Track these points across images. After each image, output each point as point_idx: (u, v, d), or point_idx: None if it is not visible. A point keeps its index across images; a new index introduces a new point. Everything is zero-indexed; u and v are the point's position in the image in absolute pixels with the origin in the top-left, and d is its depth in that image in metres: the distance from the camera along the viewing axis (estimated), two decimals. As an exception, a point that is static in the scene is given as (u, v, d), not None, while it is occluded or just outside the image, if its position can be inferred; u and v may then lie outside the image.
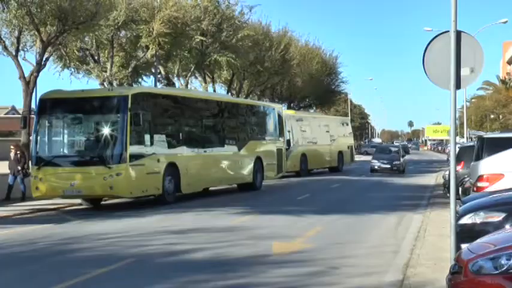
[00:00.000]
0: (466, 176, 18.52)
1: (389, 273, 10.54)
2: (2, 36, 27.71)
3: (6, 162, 23.30)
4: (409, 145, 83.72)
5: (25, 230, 15.81)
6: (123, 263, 11.26)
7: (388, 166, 42.10)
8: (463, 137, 58.78)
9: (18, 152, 22.74)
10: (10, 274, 10.52)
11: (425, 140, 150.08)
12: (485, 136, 18.66)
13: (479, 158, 16.66)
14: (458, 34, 9.72)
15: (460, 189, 18.47)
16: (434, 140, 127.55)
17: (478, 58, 9.83)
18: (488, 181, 14.61)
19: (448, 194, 15.62)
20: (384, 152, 45.54)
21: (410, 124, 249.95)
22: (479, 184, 14.93)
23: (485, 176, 14.76)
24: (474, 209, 10.39)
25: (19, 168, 22.42)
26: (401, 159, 43.39)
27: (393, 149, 47.06)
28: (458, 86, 9.79)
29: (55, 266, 11.17)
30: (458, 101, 10.38)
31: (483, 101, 76.69)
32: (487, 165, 15.00)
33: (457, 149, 19.12)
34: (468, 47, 9.76)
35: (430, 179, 35.91)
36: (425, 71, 10.05)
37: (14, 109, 72.76)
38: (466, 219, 10.12)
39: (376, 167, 42.41)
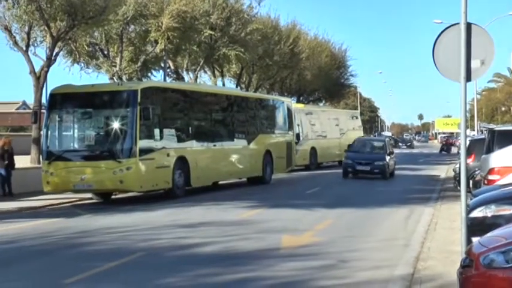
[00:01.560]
0: (476, 169, 18.44)
1: (399, 266, 10.52)
2: (12, 32, 27.84)
3: (20, 157, 23.32)
4: (419, 137, 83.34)
5: (36, 224, 15.88)
6: (133, 256, 11.29)
7: (367, 168, 30.84)
8: (474, 130, 58.53)
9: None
10: (22, 267, 10.58)
11: (436, 133, 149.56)
12: (496, 129, 18.59)
13: (490, 150, 16.60)
14: (468, 26, 9.66)
15: (471, 182, 18.37)
16: (444, 132, 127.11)
17: (488, 50, 9.76)
18: (499, 174, 14.54)
19: (458, 187, 15.59)
20: (362, 148, 33.11)
21: (420, 117, 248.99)
22: (490, 177, 14.87)
23: (496, 168, 14.70)
24: (485, 202, 10.34)
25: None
26: (387, 159, 31.40)
27: (376, 143, 34.19)
28: (468, 78, 9.73)
29: (66, 260, 11.22)
30: (468, 93, 10.31)
31: (494, 93, 76.47)
32: (498, 158, 14.94)
33: (468, 142, 19.05)
34: (478, 39, 9.70)
35: (441, 172, 35.79)
36: (435, 64, 10.00)
37: (24, 104, 72.99)
38: (477, 213, 10.08)
39: (349, 170, 31.53)
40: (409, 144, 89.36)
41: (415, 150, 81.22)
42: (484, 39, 9.77)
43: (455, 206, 16.33)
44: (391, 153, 32.78)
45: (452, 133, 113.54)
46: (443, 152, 69.38)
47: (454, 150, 67.55)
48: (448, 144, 73.73)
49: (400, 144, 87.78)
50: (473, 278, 6.83)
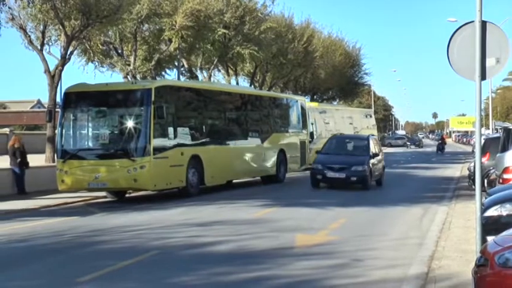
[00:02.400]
0: (491, 168, 18.35)
1: (413, 265, 10.49)
2: (27, 31, 28.02)
3: (35, 156, 23.42)
4: (432, 136, 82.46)
5: (50, 222, 15.94)
6: (147, 255, 11.32)
7: (342, 175, 24.02)
8: (489, 129, 58.25)
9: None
10: (36, 266, 10.63)
11: (450, 132, 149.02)
12: (511, 127, 18.47)
13: (505, 149, 16.52)
14: (483, 24, 9.60)
15: (486, 181, 18.30)
16: (459, 131, 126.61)
17: (503, 48, 9.70)
18: (514, 173, 14.47)
19: (473, 186, 15.50)
20: (338, 149, 25.82)
21: (435, 116, 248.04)
22: (505, 176, 14.81)
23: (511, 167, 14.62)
24: (500, 201, 10.29)
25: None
26: (371, 163, 24.54)
27: (356, 143, 26.52)
28: (483, 76, 9.68)
29: (80, 258, 11.26)
30: (483, 92, 10.27)
31: (509, 91, 76.05)
32: (513, 156, 14.86)
33: (483, 141, 18.96)
34: (494, 37, 9.64)
35: (455, 171, 35.64)
36: (449, 62, 9.95)
37: (39, 103, 73.38)
38: (492, 212, 10.03)
39: (318, 178, 24.70)
40: (417, 143, 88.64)
41: (428, 149, 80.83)
42: (499, 38, 9.72)
43: (470, 204, 16.26)
44: (375, 155, 25.59)
45: (466, 131, 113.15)
46: (439, 152, 64.00)
47: (446, 149, 66.21)
48: (443, 142, 68.22)
49: (408, 143, 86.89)
50: (488, 277, 6.80)
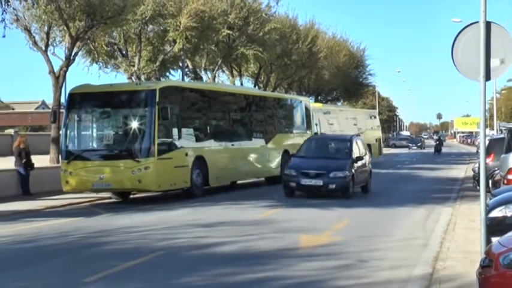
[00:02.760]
0: (496, 169, 18.34)
1: (418, 266, 10.49)
2: (32, 32, 28.08)
3: (40, 157, 23.46)
4: (436, 137, 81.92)
5: (55, 223, 15.97)
6: (152, 256, 11.33)
7: (319, 182, 20.89)
8: (493, 129, 58.16)
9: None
10: (41, 266, 10.65)
11: (455, 133, 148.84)
12: (515, 128, 18.45)
13: (509, 150, 16.52)
14: (488, 25, 9.60)
15: (490, 181, 18.28)
16: (463, 132, 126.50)
17: (508, 49, 9.69)
18: (519, 173, 14.46)
19: (477, 187, 15.50)
20: (315, 151, 22.88)
21: (439, 116, 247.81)
22: (510, 176, 14.80)
23: (516, 168, 14.61)
24: (504, 202, 10.28)
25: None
26: (354, 167, 21.62)
27: (337, 144, 23.61)
28: (487, 77, 9.68)
29: (86, 259, 11.29)
30: (487, 92, 10.27)
31: (513, 92, 75.89)
32: (518, 157, 14.85)
33: (487, 142, 18.95)
34: (498, 37, 9.64)
35: (460, 172, 35.60)
36: (454, 63, 9.95)
37: (44, 104, 73.54)
38: (497, 212, 10.03)
39: (291, 186, 21.46)
40: (419, 144, 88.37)
41: (431, 150, 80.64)
42: (503, 38, 9.71)
43: (475, 205, 16.23)
44: (359, 158, 22.45)
45: (471, 132, 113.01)
46: (436, 153, 62.41)
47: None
48: (440, 143, 66.49)
49: (410, 144, 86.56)
50: (492, 278, 6.80)
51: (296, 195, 21.50)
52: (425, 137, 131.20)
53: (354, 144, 22.67)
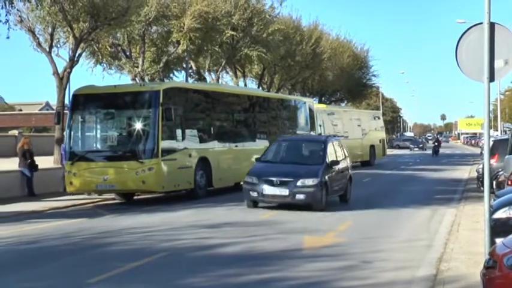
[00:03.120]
0: (500, 170, 18.32)
1: (422, 267, 10.49)
2: (36, 33, 28.16)
3: (44, 158, 23.48)
4: (440, 138, 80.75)
5: (59, 224, 15.99)
6: (155, 256, 11.34)
7: (284, 192, 17.83)
8: (497, 130, 58.10)
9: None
10: (45, 267, 10.66)
11: (459, 134, 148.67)
12: (519, 129, 18.42)
13: (513, 151, 16.45)
14: (492, 26, 9.60)
15: (494, 182, 18.27)
16: (467, 133, 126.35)
17: (512, 50, 9.69)
18: (523, 175, 14.43)
19: (481, 188, 15.47)
20: (283, 155, 19.92)
21: (443, 117, 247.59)
22: (514, 178, 14.74)
23: (520, 169, 14.59)
24: (509, 203, 10.28)
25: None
26: (328, 174, 18.55)
27: (310, 147, 20.44)
28: (492, 78, 9.68)
29: (89, 260, 11.30)
30: (492, 93, 10.25)
31: (517, 93, 75.79)
32: (522, 158, 14.82)
33: (491, 143, 18.93)
34: (502, 38, 9.64)
35: (463, 173, 35.54)
36: (458, 64, 9.95)
37: (48, 105, 73.75)
38: (501, 214, 10.02)
39: (252, 196, 18.31)
40: (421, 146, 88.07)
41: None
42: (507, 39, 9.71)
43: (479, 206, 16.21)
44: (334, 163, 19.03)
45: (475, 133, 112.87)
46: (434, 155, 59.83)
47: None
48: (438, 145, 63.51)
49: (411, 146, 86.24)
50: (496, 280, 6.79)
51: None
52: (430, 138, 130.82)
53: (329, 147, 19.63)
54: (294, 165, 18.66)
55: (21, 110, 74.24)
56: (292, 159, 19.23)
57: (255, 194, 18.10)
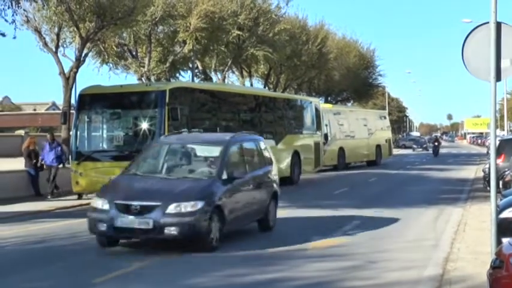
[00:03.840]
0: (506, 169, 18.26)
1: (428, 267, 10.46)
2: (42, 33, 28.19)
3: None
4: (445, 138, 79.34)
5: (66, 223, 16.03)
6: (161, 256, 11.35)
7: (145, 225, 11.35)
8: (503, 130, 57.94)
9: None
10: (51, 267, 10.69)
11: (465, 133, 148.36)
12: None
13: (520, 151, 16.41)
14: (498, 25, 9.57)
15: (501, 182, 18.21)
16: (473, 133, 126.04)
17: (518, 50, 9.66)
18: (530, 174, 14.39)
19: (488, 188, 15.42)
20: (160, 165, 13.30)
21: (449, 117, 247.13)
22: (520, 177, 14.70)
23: (527, 169, 14.54)
24: (515, 203, 10.23)
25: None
26: (225, 194, 12.33)
27: (202, 154, 13.64)
28: (498, 77, 9.65)
29: (95, 260, 11.33)
30: (498, 93, 10.22)
31: (524, 93, 75.58)
32: (529, 158, 14.78)
33: (497, 142, 18.88)
34: (508, 38, 9.61)
35: (470, 173, 35.44)
36: (464, 63, 9.93)
37: (54, 105, 73.92)
38: (507, 213, 9.99)
39: (102, 231, 11.78)
40: (424, 146, 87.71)
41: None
42: (514, 38, 9.67)
43: (485, 206, 16.17)
44: (238, 175, 13.02)
45: (481, 133, 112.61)
46: (435, 155, 57.97)
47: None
48: (438, 145, 61.16)
49: (414, 146, 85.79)
50: (503, 279, 6.77)
51: (311, 196, 20.74)
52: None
53: (233, 153, 13.69)
54: (170, 181, 12.52)
55: (35, 110, 74.31)
56: (171, 172, 13.10)
57: (103, 228, 11.73)
